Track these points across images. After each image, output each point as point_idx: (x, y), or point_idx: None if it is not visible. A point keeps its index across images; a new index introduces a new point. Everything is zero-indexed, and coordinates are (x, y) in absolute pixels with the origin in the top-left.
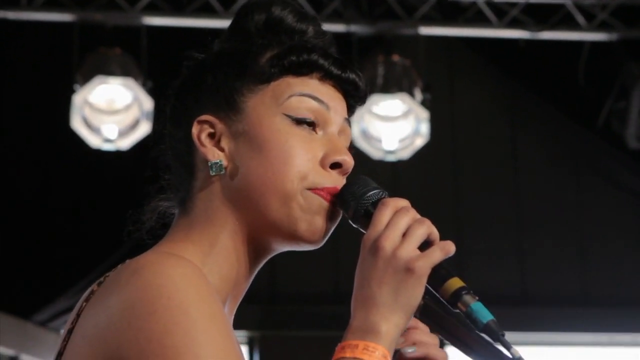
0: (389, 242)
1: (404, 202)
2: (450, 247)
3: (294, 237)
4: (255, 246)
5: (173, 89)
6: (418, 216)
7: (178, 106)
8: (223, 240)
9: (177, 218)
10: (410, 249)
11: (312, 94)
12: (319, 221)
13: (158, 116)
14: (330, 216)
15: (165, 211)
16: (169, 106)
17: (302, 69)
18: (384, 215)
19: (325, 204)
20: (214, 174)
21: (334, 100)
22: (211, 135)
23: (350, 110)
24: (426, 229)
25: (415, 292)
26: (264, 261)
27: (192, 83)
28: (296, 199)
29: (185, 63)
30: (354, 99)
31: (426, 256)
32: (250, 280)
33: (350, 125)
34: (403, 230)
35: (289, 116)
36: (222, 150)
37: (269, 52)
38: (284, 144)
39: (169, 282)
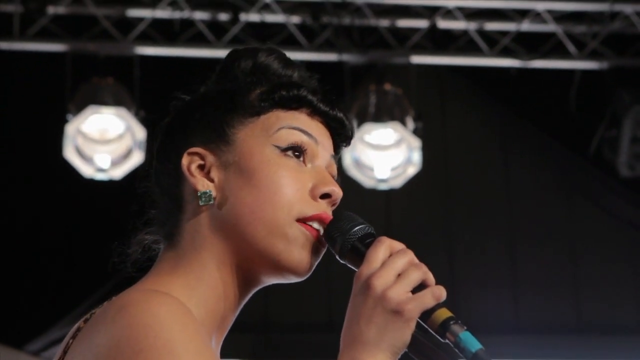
0: (381, 281)
1: (400, 245)
2: (441, 293)
3: (277, 267)
4: (242, 277)
5: (161, 128)
6: (416, 260)
7: (167, 142)
8: (210, 271)
9: (163, 251)
10: (401, 291)
11: (302, 128)
12: (304, 254)
13: (147, 153)
14: (315, 250)
15: (150, 245)
16: (156, 144)
17: (291, 104)
18: (378, 253)
19: (311, 237)
20: (203, 204)
21: (322, 136)
22: (201, 167)
23: (336, 150)
24: (422, 274)
25: (403, 334)
26: (251, 294)
27: (180, 120)
28: (283, 230)
29: (172, 103)
30: (340, 137)
31: (417, 300)
32: (237, 313)
33: (336, 162)
34: (398, 272)
35: (278, 147)
36: (211, 181)
37: (258, 88)
38: (273, 174)
39: (155, 320)
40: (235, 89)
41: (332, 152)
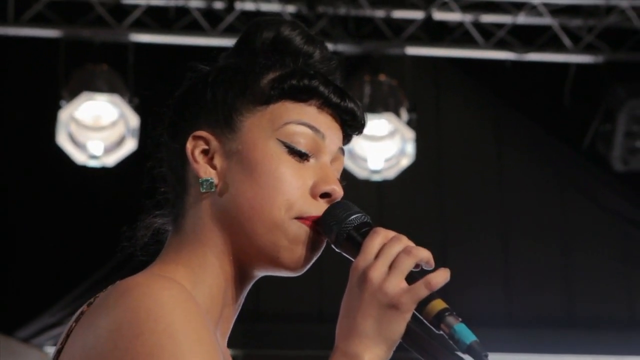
0: (377, 273)
1: (394, 233)
2: (436, 281)
3: (275, 263)
4: (240, 268)
5: (173, 99)
6: (408, 244)
7: (176, 118)
8: (211, 260)
9: (170, 236)
10: (396, 282)
11: (309, 123)
12: (302, 250)
13: (156, 125)
14: (314, 246)
15: (160, 228)
16: (167, 117)
17: (301, 95)
18: (374, 244)
19: (309, 233)
20: (204, 191)
21: (330, 130)
22: (205, 152)
23: (347, 138)
24: (412, 258)
25: (399, 327)
26: (251, 284)
27: (192, 96)
28: (282, 227)
29: (188, 74)
30: (351, 128)
31: (411, 292)
32: (240, 302)
33: (344, 154)
34: (391, 261)
35: (283, 142)
36: (214, 167)
37: (271, 73)
38: (275, 170)
39: (157, 304)
40: (249, 70)
41: (341, 145)
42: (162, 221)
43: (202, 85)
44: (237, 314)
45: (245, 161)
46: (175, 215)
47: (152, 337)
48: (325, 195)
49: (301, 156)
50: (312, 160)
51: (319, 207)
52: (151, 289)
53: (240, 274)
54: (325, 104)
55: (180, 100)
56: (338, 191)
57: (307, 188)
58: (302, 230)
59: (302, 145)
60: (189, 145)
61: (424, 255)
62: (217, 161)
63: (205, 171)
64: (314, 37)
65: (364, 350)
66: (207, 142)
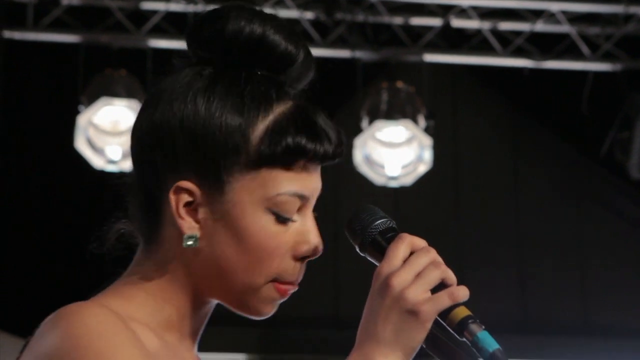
0: (400, 280)
1: (422, 242)
2: (459, 293)
3: (240, 311)
4: (203, 300)
5: (146, 122)
6: (437, 259)
7: (155, 153)
8: (176, 296)
9: (139, 253)
10: (419, 291)
11: (301, 193)
12: (270, 308)
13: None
14: (277, 305)
15: (129, 233)
16: (138, 141)
17: (293, 159)
18: (399, 250)
19: (280, 298)
20: (185, 246)
21: (317, 182)
22: (188, 203)
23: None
24: (441, 273)
25: (418, 335)
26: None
27: (170, 129)
28: (257, 291)
29: (163, 87)
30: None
31: (433, 301)
32: (207, 314)
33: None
34: (418, 271)
35: (272, 212)
36: (197, 221)
37: (260, 123)
38: (264, 242)
39: (86, 332)
40: (238, 123)
41: (319, 185)
42: (131, 229)
43: (181, 116)
44: (206, 321)
45: (233, 226)
46: (146, 235)
47: None
48: (306, 258)
49: (288, 220)
50: (295, 217)
51: (296, 272)
52: (81, 316)
53: (201, 307)
54: (315, 160)
55: (155, 127)
56: (319, 249)
57: (289, 253)
58: (275, 294)
59: (290, 213)
60: (173, 197)
61: (451, 275)
62: (202, 215)
63: (190, 227)
64: (296, 35)
65: (380, 356)
66: (191, 193)
